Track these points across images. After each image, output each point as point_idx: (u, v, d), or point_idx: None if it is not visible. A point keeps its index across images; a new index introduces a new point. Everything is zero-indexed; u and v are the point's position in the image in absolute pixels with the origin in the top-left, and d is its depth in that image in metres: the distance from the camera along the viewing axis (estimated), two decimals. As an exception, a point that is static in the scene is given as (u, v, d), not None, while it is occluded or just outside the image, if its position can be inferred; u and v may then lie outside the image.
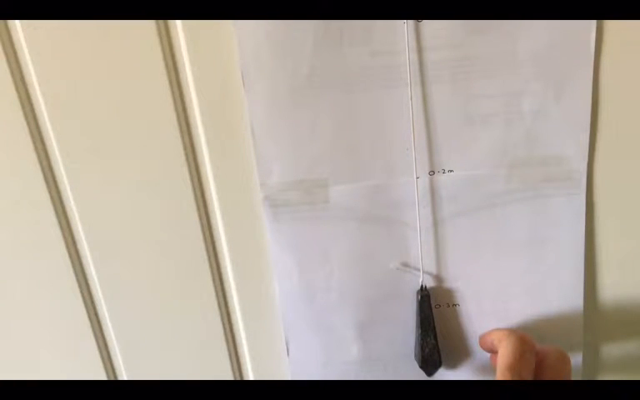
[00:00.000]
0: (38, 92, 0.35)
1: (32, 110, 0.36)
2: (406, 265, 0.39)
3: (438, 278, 0.39)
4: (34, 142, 0.36)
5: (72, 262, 0.40)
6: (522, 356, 0.33)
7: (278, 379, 0.43)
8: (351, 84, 0.34)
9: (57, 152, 0.37)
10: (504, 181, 0.36)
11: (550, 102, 0.34)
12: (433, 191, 0.37)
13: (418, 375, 0.40)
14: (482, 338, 0.39)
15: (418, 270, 0.39)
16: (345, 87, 0.34)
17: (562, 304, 0.39)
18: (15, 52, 0.34)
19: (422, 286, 0.39)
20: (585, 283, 0.39)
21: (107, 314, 0.42)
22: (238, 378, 0.44)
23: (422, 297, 0.39)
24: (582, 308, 0.39)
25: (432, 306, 0.39)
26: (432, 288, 0.39)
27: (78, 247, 0.40)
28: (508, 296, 0.39)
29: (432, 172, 0.36)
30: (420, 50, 0.33)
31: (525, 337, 0.34)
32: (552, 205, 0.37)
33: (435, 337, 0.39)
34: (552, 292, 0.39)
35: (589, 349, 0.41)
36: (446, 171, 0.36)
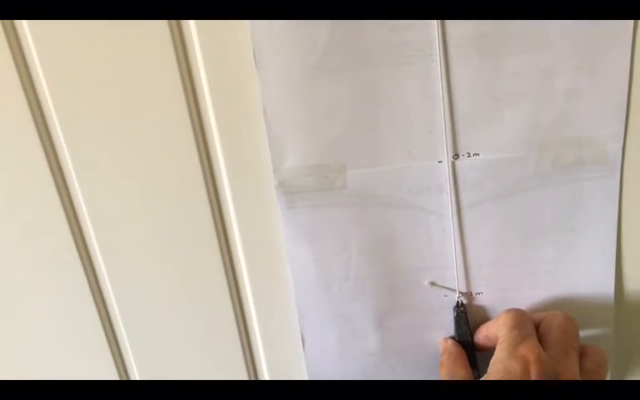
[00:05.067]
0: (41, 74, 0.34)
1: (36, 96, 0.35)
2: (434, 283, 0.38)
3: (462, 266, 0.38)
4: (38, 130, 0.35)
5: (81, 256, 0.39)
6: (521, 315, 0.35)
7: (293, 373, 0.42)
8: (370, 62, 0.33)
9: (62, 140, 0.36)
10: (534, 165, 0.35)
11: (585, 79, 0.32)
12: (457, 175, 0.35)
13: (438, 365, 0.39)
14: (476, 338, 0.38)
15: (453, 290, 0.38)
16: (363, 65, 0.33)
17: (591, 295, 0.38)
18: (20, 47, 0.34)
19: (458, 302, 0.38)
20: (616, 274, 0.37)
21: (117, 309, 0.41)
22: (252, 372, 0.43)
23: (458, 313, 0.38)
24: (612, 300, 0.38)
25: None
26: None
27: (87, 241, 0.39)
28: (535, 285, 0.38)
29: (456, 156, 0.35)
30: (443, 24, 0.32)
31: (519, 309, 0.36)
32: (585, 190, 0.35)
33: (474, 357, 0.38)
34: (581, 283, 0.38)
35: (619, 343, 0.40)
36: (471, 154, 0.35)
